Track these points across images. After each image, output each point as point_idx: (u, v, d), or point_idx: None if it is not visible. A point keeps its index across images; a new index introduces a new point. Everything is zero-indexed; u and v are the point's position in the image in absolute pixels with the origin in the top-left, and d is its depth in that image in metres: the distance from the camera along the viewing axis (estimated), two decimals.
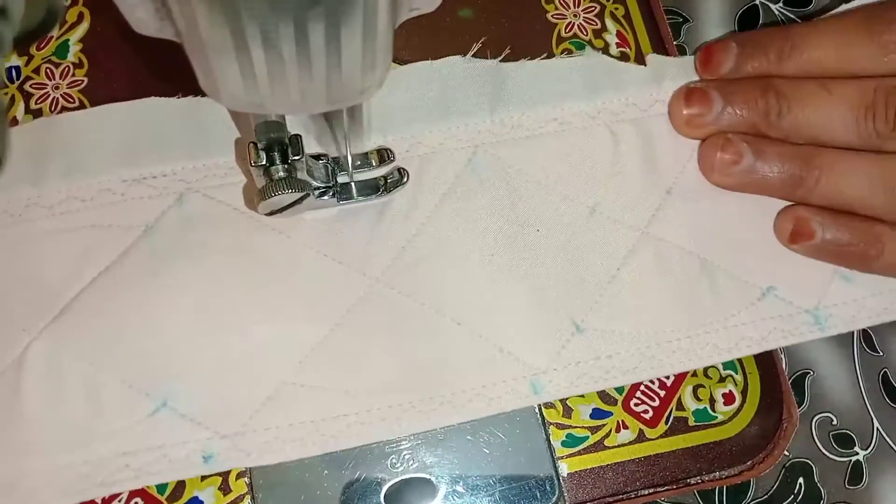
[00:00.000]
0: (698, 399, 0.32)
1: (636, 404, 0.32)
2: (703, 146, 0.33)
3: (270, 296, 0.31)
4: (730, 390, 0.32)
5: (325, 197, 0.31)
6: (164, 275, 0.31)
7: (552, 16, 0.37)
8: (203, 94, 0.23)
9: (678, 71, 0.35)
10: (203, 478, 0.30)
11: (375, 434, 0.30)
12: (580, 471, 0.31)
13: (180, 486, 0.30)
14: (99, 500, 0.29)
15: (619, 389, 0.32)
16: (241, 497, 0.30)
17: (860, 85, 0.31)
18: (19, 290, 0.31)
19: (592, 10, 0.38)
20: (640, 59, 0.37)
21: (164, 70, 0.34)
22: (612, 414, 0.32)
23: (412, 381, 0.31)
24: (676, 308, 0.32)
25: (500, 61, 0.35)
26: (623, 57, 0.37)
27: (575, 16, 0.37)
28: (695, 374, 0.32)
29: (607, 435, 0.31)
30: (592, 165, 0.34)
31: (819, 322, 0.32)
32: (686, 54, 0.40)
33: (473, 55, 0.35)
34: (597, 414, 0.32)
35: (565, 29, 0.37)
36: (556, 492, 0.30)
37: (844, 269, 0.33)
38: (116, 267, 0.31)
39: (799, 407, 0.34)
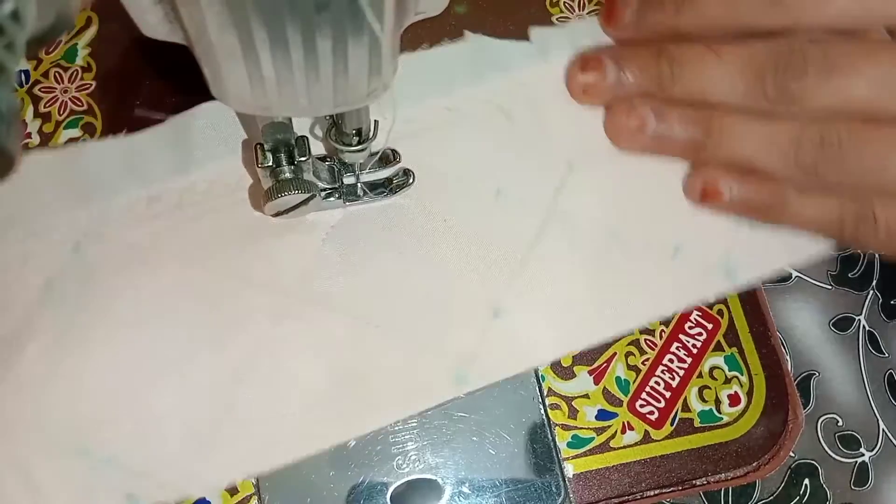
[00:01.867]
0: (704, 400, 0.32)
1: (641, 406, 0.32)
2: (610, 113, 0.33)
3: (185, 333, 0.30)
4: (735, 391, 0.32)
5: (332, 198, 0.32)
6: (73, 330, 0.30)
7: (556, 19, 0.38)
8: (209, 97, 0.23)
9: (563, 40, 0.34)
10: None
11: (306, 449, 0.29)
12: (586, 472, 0.31)
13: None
14: None
15: (625, 390, 0.32)
16: (248, 498, 0.30)
17: (749, 48, 0.30)
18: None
19: (597, 13, 0.38)
20: None
21: (171, 73, 0.34)
22: (617, 415, 0.32)
23: (342, 392, 0.30)
24: (591, 279, 0.32)
25: None
26: None
27: (580, 18, 0.37)
28: (700, 374, 0.32)
29: (613, 436, 0.31)
30: (491, 149, 0.34)
31: (729, 274, 0.32)
32: None
33: None
34: (602, 415, 0.32)
35: None
36: (562, 493, 0.31)
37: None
38: (24, 330, 0.30)
39: (804, 408, 0.34)
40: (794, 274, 0.36)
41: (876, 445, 0.34)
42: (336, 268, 0.32)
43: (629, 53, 0.33)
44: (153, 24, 0.22)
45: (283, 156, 0.28)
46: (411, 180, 0.33)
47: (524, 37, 0.35)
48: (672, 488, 0.31)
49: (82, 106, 0.34)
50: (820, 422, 0.34)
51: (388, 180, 0.33)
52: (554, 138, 0.34)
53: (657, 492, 0.31)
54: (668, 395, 0.32)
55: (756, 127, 0.31)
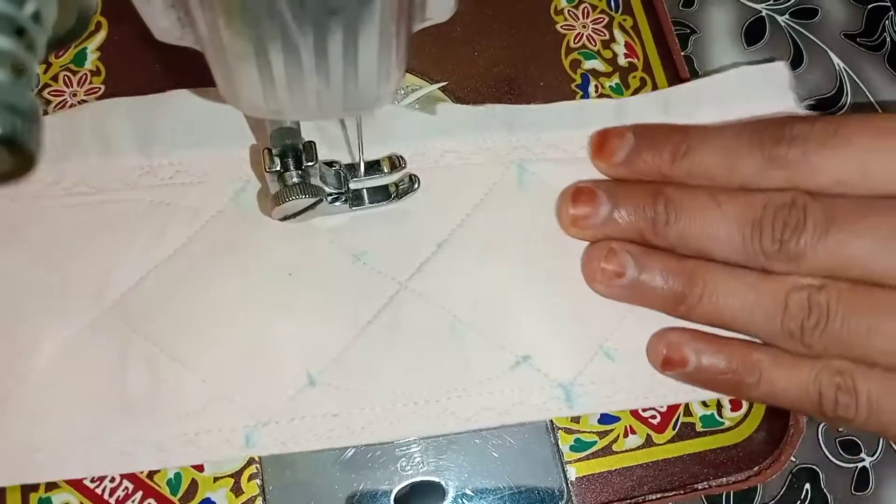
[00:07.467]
0: (705, 405, 0.32)
1: (644, 409, 0.32)
2: (587, 254, 0.32)
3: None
4: None
5: (338, 203, 0.32)
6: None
7: (561, 27, 0.38)
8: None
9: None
10: (215, 479, 0.30)
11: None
12: (588, 475, 0.31)
13: (193, 486, 0.30)
14: (112, 501, 0.29)
15: None
16: (253, 499, 0.30)
17: (749, 200, 0.29)
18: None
19: (601, 22, 0.38)
20: (648, 70, 0.37)
21: (181, 77, 0.34)
22: (620, 419, 0.32)
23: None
24: (420, 369, 0.31)
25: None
26: (631, 67, 0.37)
27: (584, 27, 0.38)
28: None
29: (615, 440, 0.32)
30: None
31: (570, 399, 0.31)
32: (694, 65, 0.40)
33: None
34: (605, 419, 0.32)
35: (574, 40, 0.38)
36: (565, 496, 0.31)
37: (611, 346, 0.32)
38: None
39: None
40: None
41: (876, 451, 0.34)
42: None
43: (625, 191, 0.32)
44: (165, 28, 0.22)
45: (290, 160, 0.29)
46: (416, 186, 0.33)
47: (535, 48, 0.35)
48: (674, 492, 0.31)
49: None
50: (821, 427, 0.35)
51: (394, 185, 0.33)
52: (432, 216, 0.33)
53: (659, 496, 0.31)
54: None
55: (743, 287, 0.29)
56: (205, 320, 0.31)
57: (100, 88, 0.35)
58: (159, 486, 0.30)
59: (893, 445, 0.35)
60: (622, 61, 0.37)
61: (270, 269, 0.32)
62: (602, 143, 0.33)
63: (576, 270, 0.33)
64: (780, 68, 0.35)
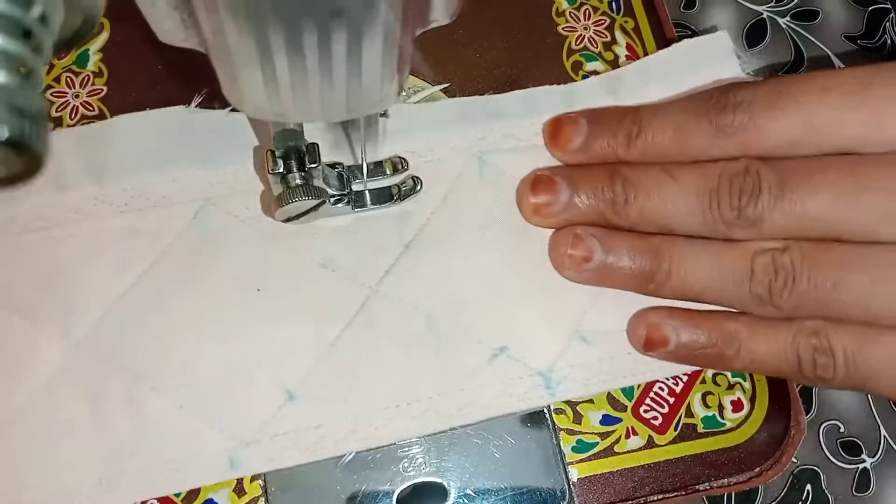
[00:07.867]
0: (707, 406, 0.32)
1: (646, 411, 0.32)
2: (553, 241, 0.33)
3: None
4: (738, 397, 0.33)
5: (340, 204, 0.32)
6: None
7: (562, 29, 0.38)
8: (224, 103, 0.23)
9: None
10: None
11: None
12: (590, 476, 0.31)
13: (196, 487, 0.30)
14: None
15: (629, 395, 0.32)
16: (255, 499, 0.30)
17: (704, 171, 0.30)
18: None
19: (602, 24, 0.38)
20: None
21: (183, 79, 0.35)
22: (621, 420, 0.32)
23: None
24: (399, 372, 0.31)
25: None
26: None
27: (585, 28, 0.38)
28: (703, 380, 0.33)
29: (617, 441, 0.32)
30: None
31: (550, 386, 0.31)
32: None
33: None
34: (607, 420, 0.32)
35: (576, 41, 0.38)
36: (566, 497, 0.31)
37: (585, 329, 0.32)
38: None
39: (807, 414, 0.34)
40: None
41: (877, 452, 0.35)
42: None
43: (583, 175, 0.32)
44: (169, 30, 0.22)
45: (293, 162, 0.29)
46: (419, 187, 0.33)
47: (536, 49, 0.35)
48: (675, 493, 0.31)
49: (93, 111, 0.35)
50: (822, 428, 0.35)
51: (397, 187, 0.33)
52: (397, 218, 0.33)
53: (661, 496, 0.31)
54: (671, 400, 0.32)
55: (708, 257, 0.30)
56: (176, 346, 0.31)
57: (102, 90, 0.35)
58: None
59: (892, 445, 0.35)
60: (624, 63, 0.38)
61: (238, 286, 0.32)
62: (556, 131, 0.34)
63: (542, 258, 0.33)
64: (723, 37, 0.35)
